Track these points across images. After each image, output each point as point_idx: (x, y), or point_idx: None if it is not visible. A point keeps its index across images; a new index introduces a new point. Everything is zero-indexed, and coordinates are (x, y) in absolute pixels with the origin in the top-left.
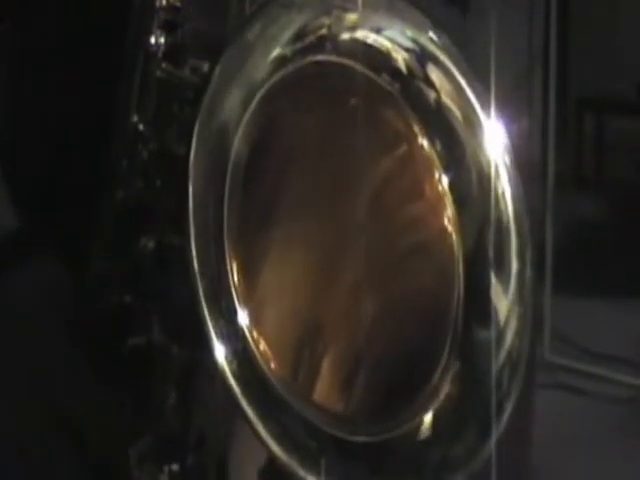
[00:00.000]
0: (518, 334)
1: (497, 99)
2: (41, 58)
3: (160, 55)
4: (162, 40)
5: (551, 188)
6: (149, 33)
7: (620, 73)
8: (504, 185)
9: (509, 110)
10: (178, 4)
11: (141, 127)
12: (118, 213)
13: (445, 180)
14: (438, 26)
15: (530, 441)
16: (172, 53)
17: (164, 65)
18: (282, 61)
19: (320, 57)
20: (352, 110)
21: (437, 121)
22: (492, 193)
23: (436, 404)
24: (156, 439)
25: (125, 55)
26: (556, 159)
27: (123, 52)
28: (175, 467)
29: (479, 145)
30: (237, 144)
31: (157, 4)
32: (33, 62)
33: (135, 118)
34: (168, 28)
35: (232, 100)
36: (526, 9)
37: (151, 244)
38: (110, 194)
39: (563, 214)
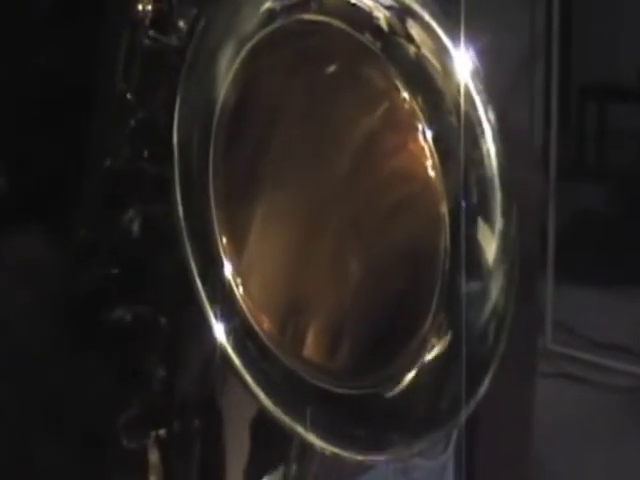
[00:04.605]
0: (504, 291)
1: (499, 86)
2: (26, 25)
3: (147, 22)
4: (149, 7)
5: (553, 176)
6: (135, 0)
7: (623, 59)
8: (488, 143)
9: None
10: None
11: (128, 95)
12: (104, 183)
13: (428, 133)
14: None
15: (532, 430)
16: (159, 20)
17: (151, 33)
18: (270, 15)
19: (306, 16)
20: (336, 69)
21: (418, 74)
22: (461, 139)
23: (422, 358)
24: (142, 407)
25: (111, 22)
26: (558, 146)
27: (109, 19)
28: (162, 432)
29: (460, 96)
30: (223, 97)
31: None
32: (17, 28)
33: (122, 87)
34: None
35: (221, 51)
36: None
37: (137, 214)
38: (96, 163)
39: (565, 202)
